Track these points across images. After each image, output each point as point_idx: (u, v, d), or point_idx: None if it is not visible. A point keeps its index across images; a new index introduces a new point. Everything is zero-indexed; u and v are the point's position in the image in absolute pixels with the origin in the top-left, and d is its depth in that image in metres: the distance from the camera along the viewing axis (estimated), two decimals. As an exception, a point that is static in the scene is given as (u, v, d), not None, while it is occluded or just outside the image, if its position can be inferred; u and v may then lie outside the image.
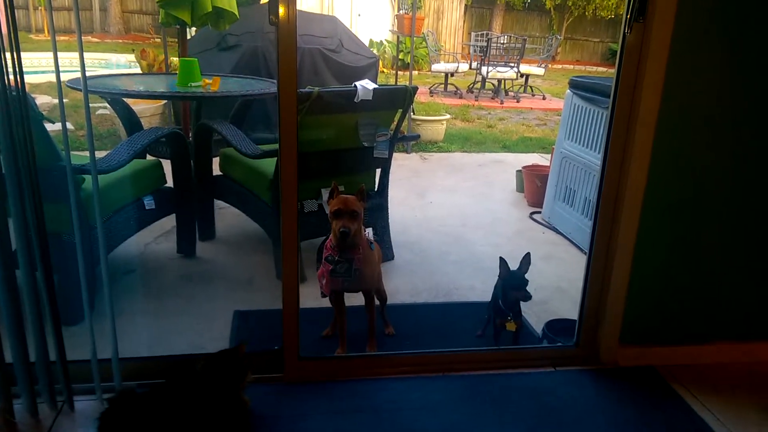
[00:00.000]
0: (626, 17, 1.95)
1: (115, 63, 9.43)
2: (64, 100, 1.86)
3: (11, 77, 1.62)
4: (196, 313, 2.57)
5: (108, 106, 4.41)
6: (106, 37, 14.41)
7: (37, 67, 7.52)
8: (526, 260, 2.23)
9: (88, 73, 3.69)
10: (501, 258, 2.26)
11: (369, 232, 2.19)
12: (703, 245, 2.19)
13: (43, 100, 5.73)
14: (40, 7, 14.42)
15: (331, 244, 2.18)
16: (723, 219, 2.17)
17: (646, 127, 2.01)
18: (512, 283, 2.24)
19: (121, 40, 13.99)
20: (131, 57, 8.12)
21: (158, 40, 9.78)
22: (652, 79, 1.96)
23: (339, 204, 2.11)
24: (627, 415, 2.01)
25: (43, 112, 2.23)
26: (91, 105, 1.84)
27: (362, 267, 2.18)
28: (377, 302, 2.42)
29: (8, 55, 1.60)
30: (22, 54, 1.67)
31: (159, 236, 3.26)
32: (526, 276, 2.22)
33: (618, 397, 2.10)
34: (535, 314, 2.65)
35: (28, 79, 1.72)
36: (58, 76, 1.77)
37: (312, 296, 2.65)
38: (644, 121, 2.00)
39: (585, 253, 2.31)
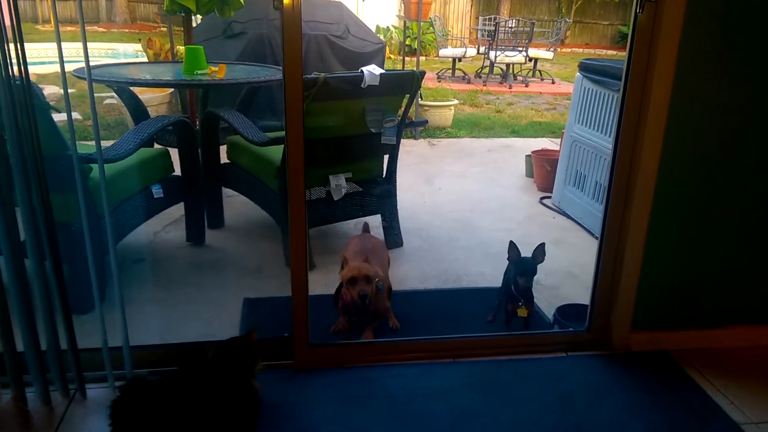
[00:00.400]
0: (638, -4, 1.91)
1: (122, 52, 9.42)
2: (72, 90, 1.86)
3: (15, 68, 1.62)
4: (206, 300, 2.57)
5: (115, 95, 4.41)
6: (112, 27, 14.38)
7: (44, 57, 7.52)
8: (541, 251, 2.21)
9: (95, 63, 3.69)
10: (511, 242, 2.24)
11: (377, 281, 2.27)
12: (715, 229, 2.16)
13: (50, 91, 5.74)
14: (48, -2, 14.41)
15: (347, 298, 2.25)
16: (735, 203, 2.14)
17: (659, 111, 1.98)
18: (519, 268, 2.23)
19: (127, 30, 13.96)
20: (138, 46, 8.11)
21: (164, 29, 9.77)
22: (664, 61, 1.92)
23: (353, 272, 2.19)
24: (640, 399, 2.00)
25: (51, 103, 2.23)
26: (98, 95, 1.84)
27: (376, 311, 2.32)
28: None
29: (12, 45, 1.59)
30: (29, 45, 1.66)
31: (168, 225, 3.26)
32: (542, 267, 2.21)
33: (631, 382, 2.09)
34: (546, 299, 2.63)
35: (35, 69, 1.72)
36: (62, 66, 1.76)
37: (321, 283, 2.65)
38: (656, 104, 1.97)
39: (596, 238, 2.28)
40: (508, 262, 2.33)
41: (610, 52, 14.71)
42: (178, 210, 3.05)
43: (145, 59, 6.70)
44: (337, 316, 2.36)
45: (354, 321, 2.30)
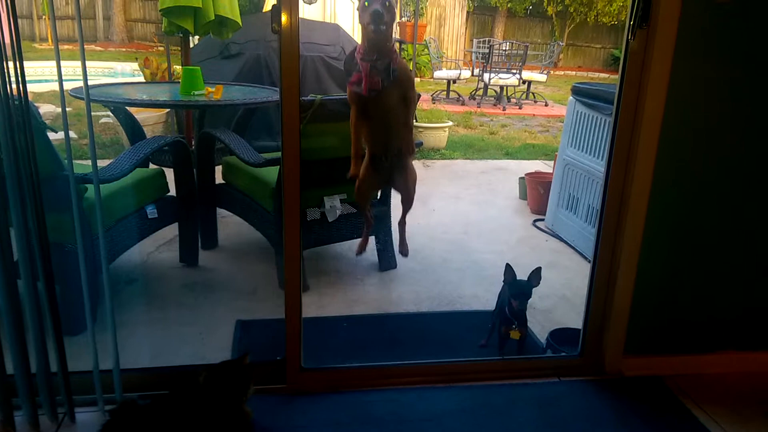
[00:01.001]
0: (629, 23, 1.94)
1: (120, 71, 9.47)
2: (68, 109, 1.86)
3: (14, 86, 1.62)
4: (199, 322, 2.56)
5: (111, 114, 4.42)
6: (110, 46, 14.48)
7: (41, 76, 7.55)
8: (537, 275, 2.21)
9: (92, 82, 3.71)
10: (507, 264, 2.25)
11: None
12: (709, 254, 2.18)
13: (46, 109, 5.75)
14: (44, 16, 14.51)
15: (363, 48, 2.08)
16: (727, 228, 2.16)
17: (650, 135, 2.00)
18: (514, 291, 2.23)
19: (124, 49, 14.05)
20: (135, 65, 8.16)
21: (161, 48, 9.84)
22: (655, 86, 1.95)
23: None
24: (632, 426, 1.99)
25: (47, 121, 2.23)
26: (94, 114, 1.84)
27: (399, 69, 2.10)
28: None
29: (11, 63, 1.60)
30: (27, 63, 1.67)
31: (161, 245, 3.26)
32: (535, 290, 2.21)
33: (623, 409, 2.08)
34: (539, 323, 2.63)
35: (31, 88, 1.72)
36: (61, 85, 1.77)
37: (314, 305, 2.65)
38: (648, 128, 1.99)
39: (589, 261, 2.29)
40: (502, 284, 2.33)
41: (602, 75, 14.91)
42: (171, 230, 3.05)
43: (142, 78, 6.74)
44: (329, 333, 2.35)
45: (373, 68, 2.07)
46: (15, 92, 1.64)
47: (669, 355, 2.27)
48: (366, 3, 2.02)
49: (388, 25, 2.03)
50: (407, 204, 2.52)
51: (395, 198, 3.17)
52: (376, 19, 1.97)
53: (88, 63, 1.79)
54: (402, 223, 2.62)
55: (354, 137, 2.31)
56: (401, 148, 2.32)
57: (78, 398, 1.88)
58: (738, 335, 2.30)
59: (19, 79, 1.63)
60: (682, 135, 2.02)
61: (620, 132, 2.05)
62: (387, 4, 2.00)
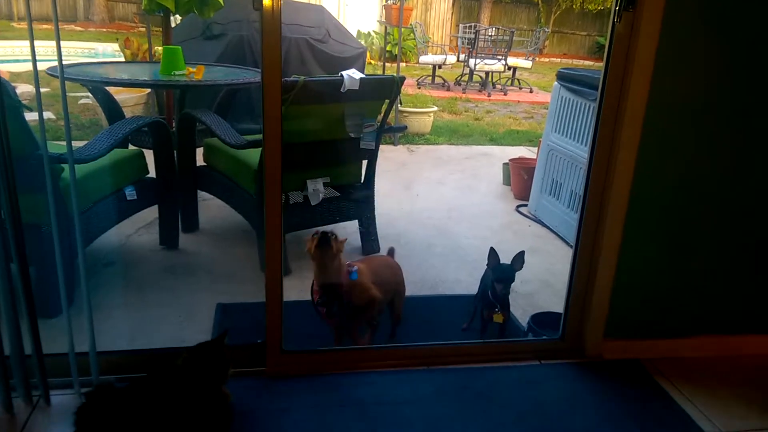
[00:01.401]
0: (615, 6, 1.93)
1: (101, 52, 9.26)
2: (46, 89, 1.82)
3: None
4: (178, 305, 2.53)
5: (90, 95, 4.33)
6: (90, 26, 14.16)
7: (19, 55, 7.36)
8: (520, 258, 2.21)
9: (73, 62, 3.62)
10: (491, 248, 2.25)
11: (350, 264, 2.18)
12: (690, 239, 2.19)
13: (24, 89, 5.60)
14: (22, -6, 14.14)
15: (318, 285, 2.17)
16: (710, 213, 2.17)
17: (634, 119, 2.00)
18: (497, 275, 2.23)
19: (105, 29, 13.76)
20: (117, 46, 8.00)
21: (143, 29, 9.66)
22: (641, 70, 1.95)
23: (316, 240, 2.11)
24: (611, 408, 2.01)
25: (25, 102, 2.18)
26: (72, 94, 1.79)
27: (351, 298, 2.18)
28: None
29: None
30: (4, 42, 1.62)
31: (141, 228, 3.21)
32: (517, 274, 2.22)
33: (603, 391, 2.10)
34: (521, 307, 2.64)
35: (9, 67, 1.68)
36: (34, 64, 1.71)
37: (296, 289, 2.62)
38: (632, 112, 1.99)
39: (571, 247, 2.30)
40: (485, 269, 2.33)
41: (587, 62, 14.91)
42: (151, 213, 3.00)
43: (123, 59, 6.61)
44: (311, 318, 2.33)
45: (334, 315, 2.18)
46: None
47: (650, 339, 2.29)
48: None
49: (333, 265, 2.12)
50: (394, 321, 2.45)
51: (379, 182, 3.16)
52: (323, 239, 2.07)
53: (69, 43, 1.75)
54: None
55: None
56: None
57: (53, 381, 1.85)
58: (716, 320, 2.32)
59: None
60: (668, 120, 2.02)
61: (604, 116, 2.05)
62: (327, 235, 2.08)
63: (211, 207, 3.48)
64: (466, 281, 2.89)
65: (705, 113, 2.04)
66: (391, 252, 2.56)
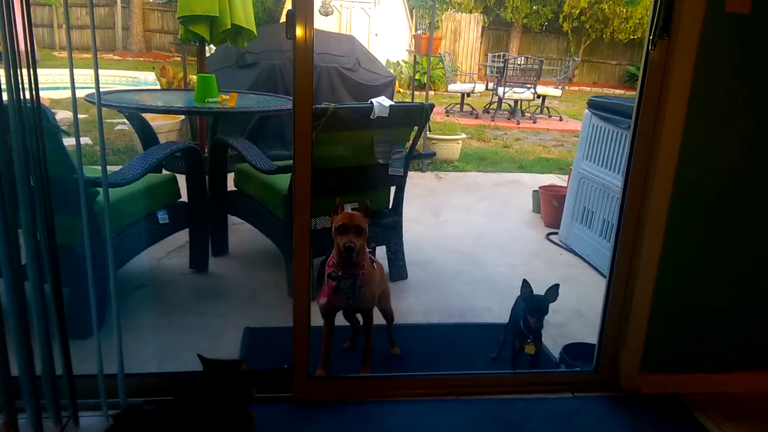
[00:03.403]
0: (650, 34, 1.91)
1: (143, 80, 9.53)
2: (85, 116, 1.87)
3: (27, 92, 1.63)
4: (207, 329, 2.53)
5: (127, 121, 4.45)
6: (128, 55, 14.67)
7: (59, 83, 7.64)
8: (554, 291, 2.16)
9: (112, 89, 3.72)
10: (524, 280, 2.20)
11: (372, 250, 2.11)
12: (730, 269, 2.12)
13: (63, 116, 5.80)
14: (64, 26, 14.74)
15: (334, 261, 2.11)
16: (748, 244, 2.10)
17: (670, 148, 1.96)
18: (531, 307, 2.18)
19: (142, 58, 14.23)
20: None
21: (178, 58, 9.93)
22: (676, 98, 1.91)
23: (344, 219, 2.05)
24: (649, 445, 1.93)
25: (63, 127, 2.24)
26: (109, 121, 1.84)
27: (365, 285, 2.13)
28: (384, 322, 2.38)
29: (24, 70, 1.61)
30: (46, 70, 1.68)
31: (172, 251, 3.25)
32: (551, 308, 2.17)
33: (639, 427, 2.02)
34: (552, 337, 2.58)
35: (50, 95, 1.73)
36: (73, 91, 1.76)
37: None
38: (668, 141, 1.95)
39: (603, 276, 2.24)
40: (515, 297, 2.29)
41: (617, 91, 14.82)
42: (182, 236, 3.04)
43: (159, 87, 6.80)
44: (336, 342, 2.32)
45: (338, 287, 2.09)
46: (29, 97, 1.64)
47: (687, 373, 2.21)
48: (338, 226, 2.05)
49: (359, 252, 2.05)
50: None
51: (407, 208, 3.15)
52: (348, 251, 2.01)
53: (110, 71, 1.81)
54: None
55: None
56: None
57: (82, 402, 1.86)
58: (759, 354, 2.23)
59: (32, 83, 1.63)
60: (704, 148, 1.98)
61: (639, 145, 2.01)
62: (353, 247, 2.02)
63: (241, 231, 3.51)
64: (496, 310, 2.84)
65: (744, 140, 1.99)
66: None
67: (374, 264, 2.21)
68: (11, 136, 1.62)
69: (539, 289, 2.19)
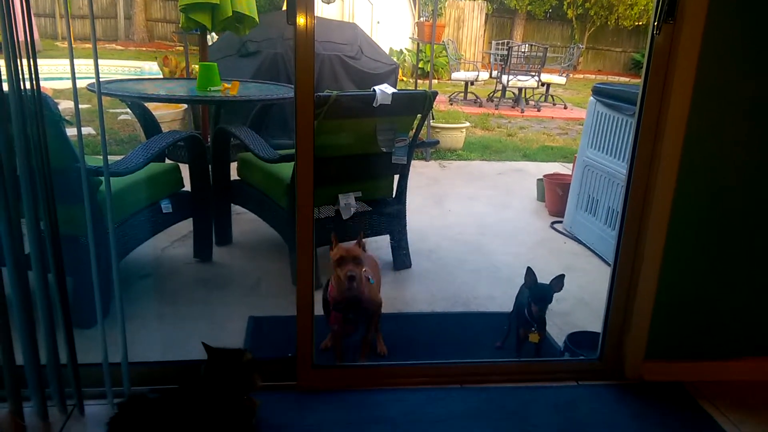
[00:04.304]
0: (655, 18, 1.89)
1: (148, 71, 9.48)
2: (87, 105, 1.87)
3: (27, 82, 1.62)
4: (211, 318, 2.54)
5: (129, 111, 4.44)
6: (130, 45, 14.62)
7: (62, 73, 7.62)
8: (559, 281, 2.15)
9: (119, 79, 3.70)
10: (528, 268, 2.19)
11: (366, 271, 2.17)
12: (735, 257, 2.11)
13: (66, 105, 5.79)
14: (65, 16, 14.69)
15: (334, 292, 2.16)
16: (753, 231, 2.09)
17: (675, 134, 1.94)
18: (535, 295, 2.17)
19: (144, 48, 14.18)
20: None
21: (180, 47, 9.88)
22: (681, 84, 1.89)
23: (341, 252, 2.10)
24: (653, 432, 1.93)
25: (66, 117, 2.24)
26: (112, 110, 1.84)
27: (368, 305, 2.20)
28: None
29: (24, 61, 1.60)
30: (49, 60, 1.67)
31: (175, 240, 3.25)
32: (555, 296, 2.16)
33: (643, 414, 2.02)
34: (557, 326, 2.57)
35: (53, 84, 1.73)
36: (74, 80, 1.76)
37: (327, 303, 2.61)
38: (673, 127, 1.93)
39: (608, 264, 2.24)
40: (519, 286, 2.28)
41: (622, 78, 14.72)
42: (186, 226, 3.04)
43: (161, 76, 6.78)
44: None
45: (347, 317, 2.17)
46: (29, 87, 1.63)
47: (693, 361, 2.20)
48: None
49: (359, 281, 2.09)
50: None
51: (411, 197, 3.14)
52: (350, 280, 2.06)
53: (113, 62, 1.80)
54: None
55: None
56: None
57: (87, 390, 1.87)
58: (763, 342, 2.22)
59: (32, 72, 1.63)
60: (709, 135, 1.96)
61: (643, 132, 1.99)
62: (354, 276, 2.06)
63: (244, 220, 3.51)
64: (500, 298, 2.84)
65: (750, 127, 1.97)
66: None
67: (371, 281, 2.22)
68: (12, 126, 1.62)
69: (544, 278, 2.18)
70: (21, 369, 1.78)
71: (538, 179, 4.51)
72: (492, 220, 4.09)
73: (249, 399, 1.78)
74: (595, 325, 2.29)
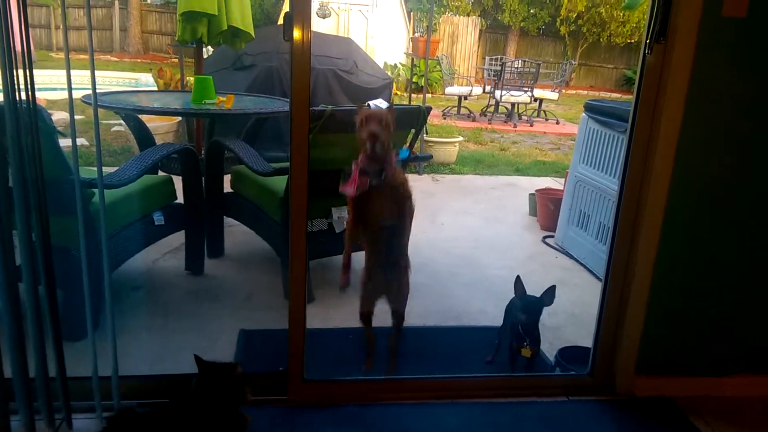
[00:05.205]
0: (647, 38, 1.92)
1: (144, 82, 9.48)
2: (81, 117, 1.86)
3: (23, 93, 1.63)
4: (202, 331, 2.52)
5: (123, 123, 4.44)
6: (125, 57, 14.65)
7: (56, 84, 7.62)
8: (550, 293, 2.16)
9: (115, 91, 3.70)
10: (517, 276, 2.20)
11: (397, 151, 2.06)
12: (727, 273, 2.13)
13: (60, 116, 5.79)
14: (61, 26, 14.71)
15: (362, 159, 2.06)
16: (745, 249, 2.11)
17: (666, 151, 1.96)
18: (524, 307, 2.18)
19: (139, 60, 14.21)
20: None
21: (176, 60, 9.92)
22: (672, 102, 1.92)
23: (366, 113, 2.00)
24: (644, 449, 1.93)
25: (60, 128, 2.24)
26: (106, 122, 1.84)
27: (392, 175, 2.09)
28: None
29: (21, 71, 1.60)
30: (44, 71, 1.68)
31: (167, 253, 3.24)
32: (545, 309, 2.17)
33: (634, 430, 2.02)
34: (547, 340, 2.57)
35: (47, 95, 1.72)
36: (70, 92, 1.76)
37: (319, 317, 2.61)
38: (664, 144, 1.96)
39: (599, 279, 2.25)
40: (510, 299, 2.29)
41: (614, 94, 14.88)
42: (178, 238, 3.03)
43: (156, 88, 6.79)
44: (334, 346, 2.31)
45: (368, 174, 2.05)
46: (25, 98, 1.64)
47: (684, 377, 2.21)
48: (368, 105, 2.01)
49: (384, 140, 2.01)
50: (398, 319, 2.29)
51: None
52: (373, 139, 1.97)
53: (107, 73, 1.80)
54: (394, 339, 2.30)
55: (348, 245, 2.25)
56: (398, 260, 2.25)
57: (76, 404, 1.85)
58: (754, 358, 2.23)
59: (28, 83, 1.63)
60: (701, 152, 1.98)
61: (635, 149, 2.01)
62: (383, 123, 1.97)
63: (236, 233, 3.50)
64: (492, 313, 2.84)
65: (740, 145, 1.99)
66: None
67: (400, 163, 2.11)
68: (6, 137, 1.62)
69: (534, 292, 2.19)
70: (9, 382, 1.76)
71: (530, 194, 4.53)
72: (484, 234, 4.10)
73: (241, 413, 1.77)
74: (586, 340, 2.30)
